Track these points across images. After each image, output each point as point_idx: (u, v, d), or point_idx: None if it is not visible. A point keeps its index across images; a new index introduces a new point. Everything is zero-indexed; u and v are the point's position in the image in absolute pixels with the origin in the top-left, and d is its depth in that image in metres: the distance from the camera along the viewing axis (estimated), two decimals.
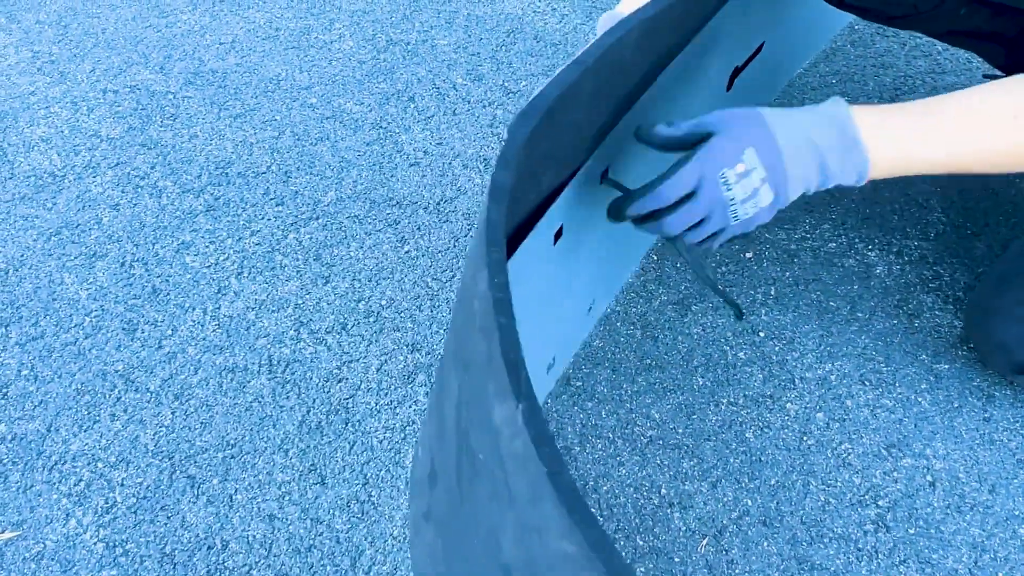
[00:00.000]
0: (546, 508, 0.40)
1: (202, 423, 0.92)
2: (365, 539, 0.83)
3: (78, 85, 1.34)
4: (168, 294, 1.04)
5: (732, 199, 0.66)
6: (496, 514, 0.48)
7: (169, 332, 1.00)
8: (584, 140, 0.70)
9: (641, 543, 0.83)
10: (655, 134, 0.68)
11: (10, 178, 1.18)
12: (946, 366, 0.97)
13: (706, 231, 0.69)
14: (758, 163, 0.64)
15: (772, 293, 1.05)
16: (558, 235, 0.74)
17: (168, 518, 0.84)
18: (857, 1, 0.90)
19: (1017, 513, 0.85)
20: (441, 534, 0.61)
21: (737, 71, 1.05)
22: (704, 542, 0.83)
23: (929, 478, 0.88)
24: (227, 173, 1.20)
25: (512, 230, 0.68)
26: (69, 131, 1.26)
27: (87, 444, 0.90)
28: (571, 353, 0.98)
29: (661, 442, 0.91)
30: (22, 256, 1.08)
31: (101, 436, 0.91)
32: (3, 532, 0.83)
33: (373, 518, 0.84)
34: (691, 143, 0.68)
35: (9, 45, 1.41)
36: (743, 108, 0.67)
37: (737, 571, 0.81)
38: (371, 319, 1.02)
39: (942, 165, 0.69)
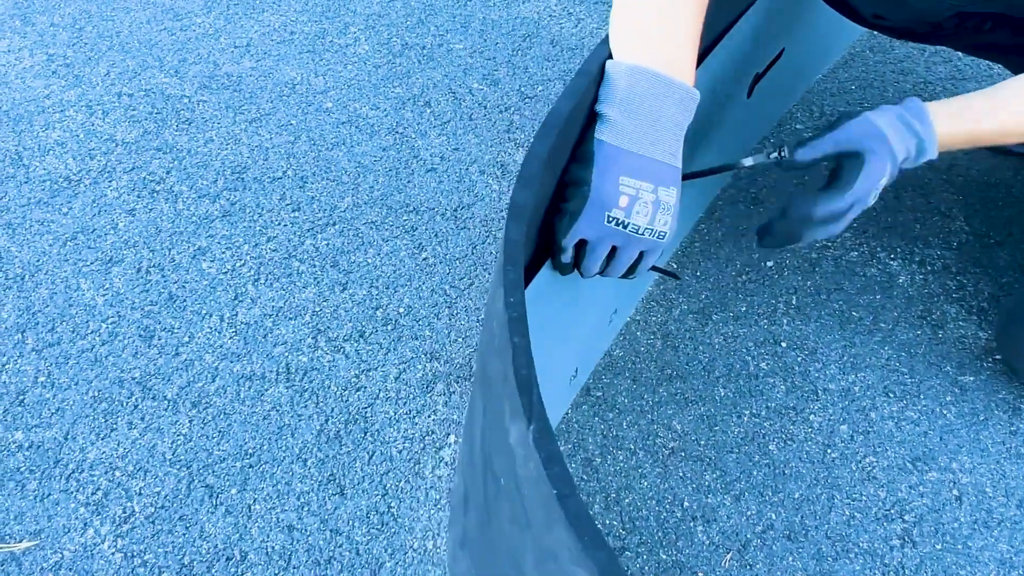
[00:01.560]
0: (559, 532, 0.39)
1: (220, 432, 0.91)
2: (385, 551, 0.82)
3: (93, 88, 1.33)
4: (185, 300, 1.03)
5: (637, 227, 0.65)
6: (517, 538, 0.48)
7: (186, 339, 0.99)
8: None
9: (664, 557, 0.82)
10: None
11: (25, 182, 1.18)
12: (971, 378, 0.96)
13: (625, 262, 0.69)
14: (639, 183, 0.63)
15: (794, 303, 1.04)
16: None
17: (186, 528, 0.84)
18: (881, 21, 0.89)
19: None
20: (474, 560, 0.61)
21: (758, 77, 1.05)
22: (728, 557, 0.82)
23: (955, 492, 0.87)
24: (243, 178, 1.19)
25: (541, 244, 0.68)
26: (84, 135, 1.25)
27: (104, 452, 0.89)
28: (593, 363, 0.97)
29: (683, 454, 0.90)
30: (38, 261, 1.07)
31: (118, 444, 0.90)
32: (21, 541, 0.83)
33: (393, 530, 0.83)
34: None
35: (24, 48, 1.41)
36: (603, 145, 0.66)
37: None
38: (389, 327, 1.01)
39: None
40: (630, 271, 0.70)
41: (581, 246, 0.67)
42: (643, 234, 0.65)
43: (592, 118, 0.65)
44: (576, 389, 0.94)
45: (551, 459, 0.41)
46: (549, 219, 0.66)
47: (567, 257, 0.67)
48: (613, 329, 0.99)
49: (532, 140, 0.59)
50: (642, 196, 0.63)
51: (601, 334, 0.96)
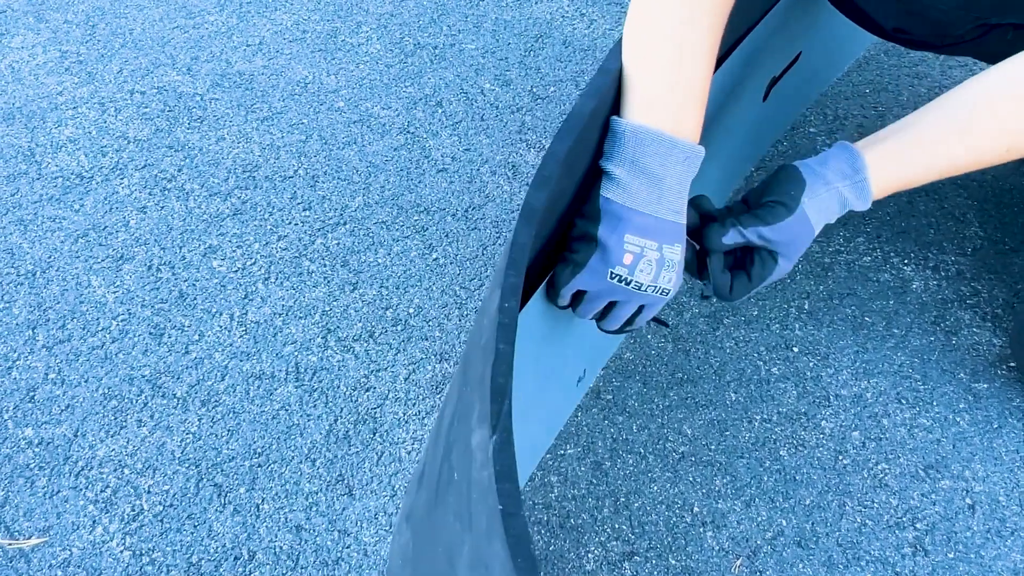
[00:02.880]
0: (496, 547, 0.40)
1: (229, 431, 0.91)
2: None
3: (106, 86, 1.34)
4: (195, 298, 1.03)
5: (640, 284, 0.65)
6: (457, 534, 0.48)
7: (196, 337, 0.99)
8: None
9: (674, 562, 0.81)
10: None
11: (38, 179, 1.18)
12: (985, 385, 0.95)
13: (622, 316, 0.69)
14: (644, 241, 0.63)
15: (806, 307, 1.03)
16: None
17: (195, 527, 0.84)
18: (902, 34, 0.88)
19: None
20: (414, 536, 0.61)
21: (774, 81, 1.04)
22: (738, 563, 0.81)
23: (968, 501, 0.86)
24: (254, 176, 1.19)
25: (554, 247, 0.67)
26: (97, 132, 1.25)
27: (114, 450, 0.89)
28: (601, 365, 0.96)
29: (693, 458, 0.89)
30: (49, 258, 1.07)
31: (128, 442, 0.90)
32: (29, 538, 0.83)
33: None
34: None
35: (37, 44, 1.41)
36: (602, 213, 0.65)
37: None
38: (399, 327, 1.01)
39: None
40: (627, 324, 0.71)
41: (580, 294, 0.67)
42: (645, 291, 0.65)
43: (597, 171, 0.65)
44: (583, 391, 0.94)
45: (505, 474, 0.41)
46: (560, 225, 0.66)
47: (563, 302, 0.68)
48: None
49: (552, 140, 0.59)
50: (647, 254, 0.64)
51: (611, 336, 0.95)
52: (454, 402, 0.58)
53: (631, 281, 0.64)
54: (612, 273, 0.64)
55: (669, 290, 0.67)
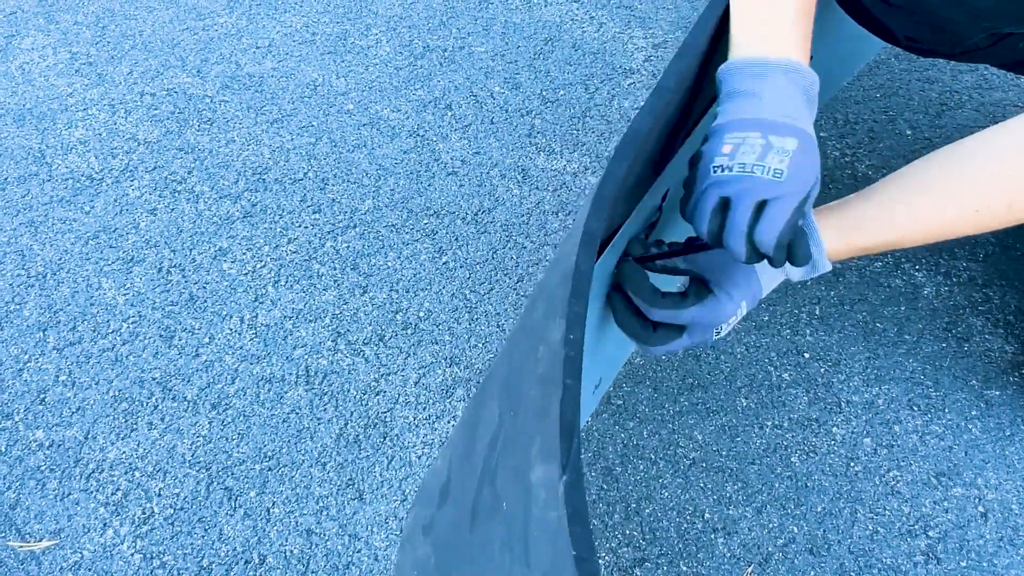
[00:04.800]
0: None
1: (239, 434, 0.91)
2: None
3: (116, 87, 1.34)
4: (205, 301, 1.03)
5: (744, 165, 0.60)
6: (507, 567, 0.46)
7: (206, 340, 0.99)
8: (652, 158, 0.69)
9: (685, 569, 0.81)
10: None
11: (48, 180, 1.18)
12: (997, 392, 0.95)
13: (741, 215, 0.62)
14: (745, 133, 0.61)
15: (817, 313, 1.03)
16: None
17: (205, 530, 0.84)
18: (915, 43, 0.88)
19: None
20: (437, 553, 0.60)
21: None
22: (749, 570, 0.81)
23: (981, 508, 0.86)
24: (264, 179, 1.19)
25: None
26: (107, 134, 1.26)
27: (124, 452, 0.89)
28: (616, 371, 0.96)
29: (704, 464, 0.89)
30: (60, 260, 1.08)
31: (138, 445, 0.90)
32: (40, 540, 0.83)
33: None
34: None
35: (47, 46, 1.41)
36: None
37: None
38: (409, 331, 1.01)
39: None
40: (753, 230, 0.61)
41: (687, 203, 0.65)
42: (752, 171, 0.59)
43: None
44: (599, 398, 0.93)
45: (577, 516, 0.39)
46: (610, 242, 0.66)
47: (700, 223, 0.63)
48: None
49: (609, 161, 0.57)
50: (749, 141, 0.60)
51: (626, 342, 0.95)
52: (495, 424, 0.55)
53: (732, 165, 0.59)
54: (714, 168, 0.60)
55: (783, 171, 0.59)
